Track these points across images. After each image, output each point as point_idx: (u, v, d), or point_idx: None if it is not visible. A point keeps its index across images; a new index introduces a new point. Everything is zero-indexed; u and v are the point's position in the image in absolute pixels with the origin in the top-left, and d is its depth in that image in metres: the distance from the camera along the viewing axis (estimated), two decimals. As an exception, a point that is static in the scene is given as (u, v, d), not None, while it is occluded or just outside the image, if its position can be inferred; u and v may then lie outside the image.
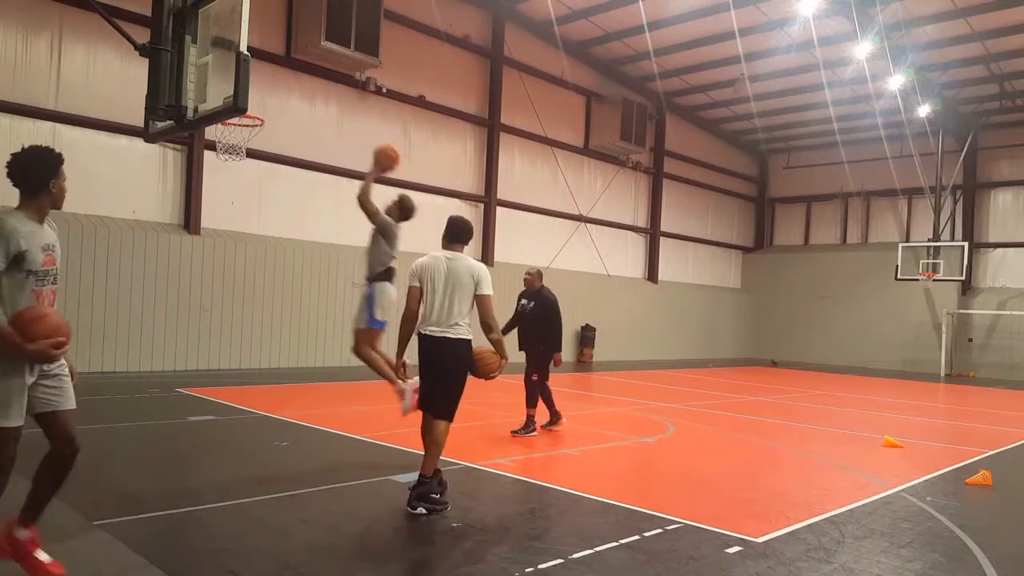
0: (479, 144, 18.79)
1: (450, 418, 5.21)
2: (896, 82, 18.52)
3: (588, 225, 21.90)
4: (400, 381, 6.26)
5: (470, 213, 18.15)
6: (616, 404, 12.09)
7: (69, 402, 3.46)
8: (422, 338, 5.23)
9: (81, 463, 3.54)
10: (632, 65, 21.47)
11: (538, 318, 8.55)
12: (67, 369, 3.50)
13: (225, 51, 5.05)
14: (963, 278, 22.40)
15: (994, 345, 23.14)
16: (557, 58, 19.87)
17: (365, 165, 17.44)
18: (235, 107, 4.82)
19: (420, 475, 5.09)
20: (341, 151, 15.31)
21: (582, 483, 6.08)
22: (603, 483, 6.25)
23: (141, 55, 5.40)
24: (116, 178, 12.72)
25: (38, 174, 3.38)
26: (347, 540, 4.56)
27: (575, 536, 4.69)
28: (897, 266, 22.97)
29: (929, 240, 23.14)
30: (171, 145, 13.38)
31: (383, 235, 6.54)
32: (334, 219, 15.15)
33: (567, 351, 20.65)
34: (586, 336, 20.95)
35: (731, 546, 4.59)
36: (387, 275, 6.55)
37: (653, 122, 23.48)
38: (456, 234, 5.39)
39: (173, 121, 5.44)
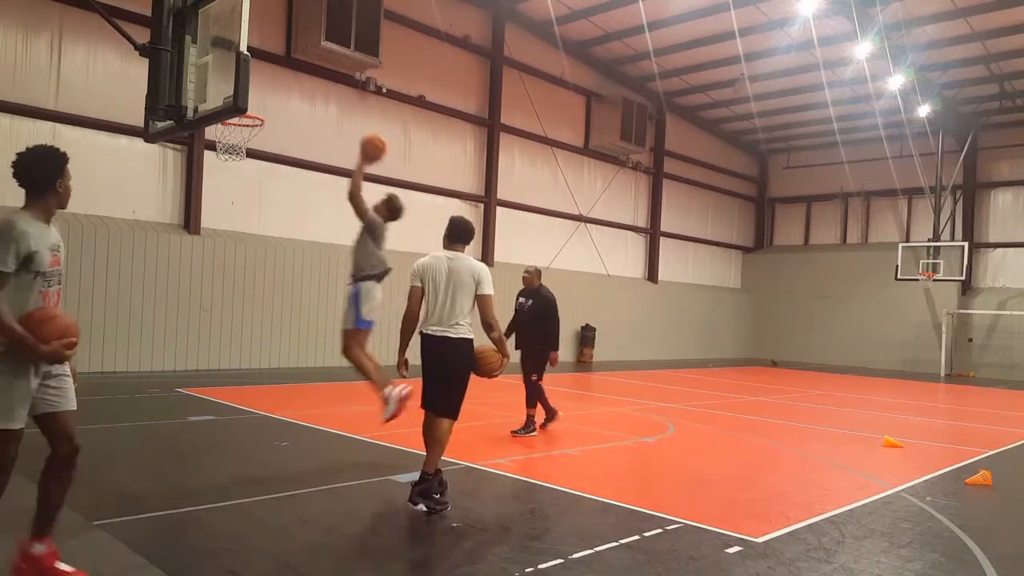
0: (479, 144, 18.80)
1: (454, 417, 5.23)
2: (896, 82, 18.52)
3: (588, 225, 21.90)
4: (387, 388, 6.26)
5: (470, 213, 18.15)
6: (616, 404, 12.09)
7: (70, 403, 3.45)
8: (424, 337, 5.25)
9: (81, 463, 3.54)
10: (632, 65, 21.47)
11: (536, 317, 8.53)
12: (68, 370, 3.49)
13: (225, 51, 5.05)
14: (963, 278, 22.40)
15: (994, 345, 23.14)
16: (557, 58, 19.87)
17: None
18: (235, 107, 4.82)
19: (422, 472, 5.11)
20: (341, 151, 15.29)
21: (582, 483, 6.08)
22: (603, 483, 6.24)
23: (141, 55, 5.40)
24: (116, 178, 12.72)
25: (44, 174, 3.36)
26: (347, 540, 4.56)
27: (575, 536, 4.69)
28: (897, 266, 22.97)
29: (929, 240, 23.14)
30: (171, 145, 13.38)
31: (370, 234, 6.50)
32: (334, 219, 15.14)
33: (567, 351, 20.66)
34: (586, 336, 20.95)
35: (731, 546, 4.59)
36: (376, 275, 6.50)
37: (653, 122, 23.48)
38: (457, 234, 5.41)
39: (173, 121, 5.44)
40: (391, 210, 6.67)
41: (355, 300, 6.45)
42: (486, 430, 8.43)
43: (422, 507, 4.99)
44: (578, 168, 21.58)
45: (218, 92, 5.07)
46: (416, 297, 5.29)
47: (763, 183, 29.00)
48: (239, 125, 11.62)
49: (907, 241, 24.25)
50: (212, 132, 12.45)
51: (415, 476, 5.19)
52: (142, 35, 5.65)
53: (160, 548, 4.14)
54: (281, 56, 14.83)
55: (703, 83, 22.33)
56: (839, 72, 19.65)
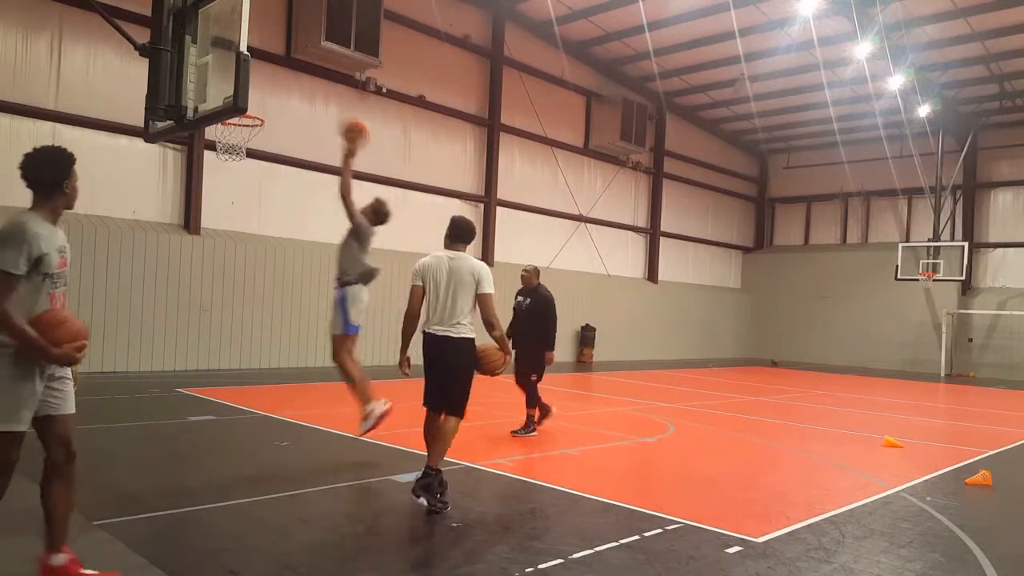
0: (479, 144, 18.80)
1: (460, 415, 5.27)
2: (896, 82, 18.52)
3: (588, 225, 21.90)
4: (371, 403, 6.27)
5: (470, 213, 18.16)
6: (616, 404, 12.09)
7: (69, 407, 3.43)
8: (426, 336, 5.29)
9: (81, 463, 3.54)
10: (632, 65, 21.47)
11: (534, 315, 8.49)
12: (70, 373, 3.47)
13: (225, 51, 5.05)
14: (963, 278, 22.39)
15: (994, 345, 23.14)
16: (557, 58, 19.87)
17: (366, 165, 17.26)
18: (235, 107, 4.82)
19: (426, 467, 5.13)
20: (341, 151, 15.30)
21: (582, 483, 6.08)
22: (603, 483, 6.24)
23: (141, 55, 5.41)
24: (116, 178, 12.72)
25: (53, 175, 3.34)
26: (347, 540, 4.56)
27: (575, 536, 4.69)
28: (897, 266, 22.97)
29: (929, 240, 23.14)
30: (171, 145, 13.38)
31: (356, 237, 6.48)
32: (334, 219, 14.97)
33: (567, 351, 20.67)
34: (586, 336, 20.95)
35: (731, 546, 4.59)
36: (362, 278, 6.49)
37: (653, 122, 23.48)
38: (458, 234, 5.44)
39: (173, 121, 5.44)
40: (378, 214, 6.65)
41: (342, 305, 6.43)
42: (486, 430, 8.43)
43: (423, 501, 5.00)
44: (578, 168, 21.58)
45: (218, 92, 5.07)
46: (417, 296, 5.32)
47: (763, 183, 29.00)
48: (239, 125, 11.61)
49: (907, 241, 24.24)
50: (212, 132, 12.44)
51: (415, 476, 5.19)
52: (142, 35, 5.65)
53: (160, 548, 4.14)
54: (281, 56, 14.82)
55: (703, 83, 22.33)
56: (839, 72, 19.65)
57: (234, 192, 14.21)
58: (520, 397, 8.62)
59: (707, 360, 24.40)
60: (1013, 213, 23.64)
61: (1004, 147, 23.55)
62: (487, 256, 18.40)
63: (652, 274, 24.27)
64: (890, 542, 4.87)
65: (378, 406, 6.35)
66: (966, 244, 22.42)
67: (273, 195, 14.78)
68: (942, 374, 22.75)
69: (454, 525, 4.82)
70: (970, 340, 23.53)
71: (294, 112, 15.05)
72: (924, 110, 20.34)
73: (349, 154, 6.43)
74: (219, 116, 5.26)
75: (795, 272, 27.21)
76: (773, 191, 28.93)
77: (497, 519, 5.16)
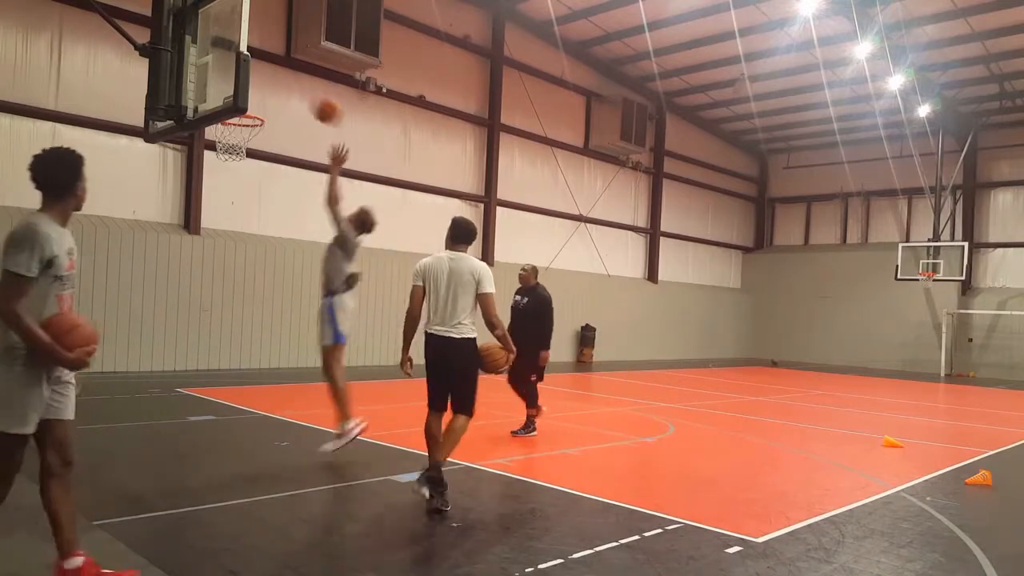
0: (479, 144, 18.80)
1: (471, 413, 5.33)
2: (896, 82, 18.52)
3: (588, 225, 21.90)
4: (350, 422, 6.26)
5: (470, 213, 18.16)
6: (616, 404, 12.09)
7: (69, 412, 3.40)
8: (428, 337, 5.32)
9: (81, 463, 3.54)
10: (632, 65, 21.46)
11: (532, 314, 8.45)
12: (72, 377, 3.45)
13: (225, 51, 5.05)
14: (963, 278, 22.39)
15: (994, 345, 23.14)
16: (557, 58, 19.87)
17: (366, 165, 17.30)
18: (235, 107, 4.82)
19: (432, 462, 5.17)
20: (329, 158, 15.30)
21: (582, 483, 6.08)
22: (603, 483, 6.24)
23: (141, 55, 5.41)
24: (116, 178, 12.71)
25: (63, 177, 3.34)
26: (347, 540, 4.57)
27: (575, 536, 4.69)
28: (897, 266, 22.97)
29: (929, 240, 23.14)
30: (171, 145, 13.38)
31: (342, 248, 6.45)
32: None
33: (567, 351, 20.67)
34: (586, 336, 20.94)
35: (731, 546, 4.59)
36: (347, 285, 6.46)
37: (653, 122, 23.47)
38: (460, 235, 5.46)
39: (173, 121, 5.44)
40: (363, 224, 6.61)
41: (331, 314, 6.39)
42: (486, 430, 8.42)
43: (426, 491, 5.02)
44: (578, 168, 21.58)
45: (218, 92, 5.07)
46: (417, 297, 5.35)
47: (763, 183, 29.00)
48: (239, 125, 11.60)
49: (907, 241, 24.24)
50: (212, 132, 12.44)
51: (415, 476, 5.20)
52: (142, 35, 5.65)
53: (160, 548, 4.14)
54: (281, 56, 14.82)
55: (703, 83, 22.33)
56: (839, 72, 19.64)
57: (234, 192, 14.21)
58: (518, 397, 8.60)
59: (707, 360, 24.40)
60: (1013, 213, 23.64)
61: (1004, 147, 23.55)
62: (487, 256, 18.39)
63: (652, 274, 24.27)
64: (890, 542, 4.87)
65: (355, 427, 6.34)
66: (966, 244, 22.42)
67: (273, 195, 14.77)
68: (942, 374, 22.74)
69: (454, 525, 4.83)
70: (970, 340, 23.54)
71: (294, 112, 15.04)
72: (924, 110, 20.34)
73: (336, 161, 6.44)
74: (219, 116, 5.26)
75: (795, 272, 27.21)
76: (773, 191, 28.93)
77: (497, 519, 5.16)
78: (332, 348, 6.44)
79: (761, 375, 19.87)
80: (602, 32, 19.57)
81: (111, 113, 12.47)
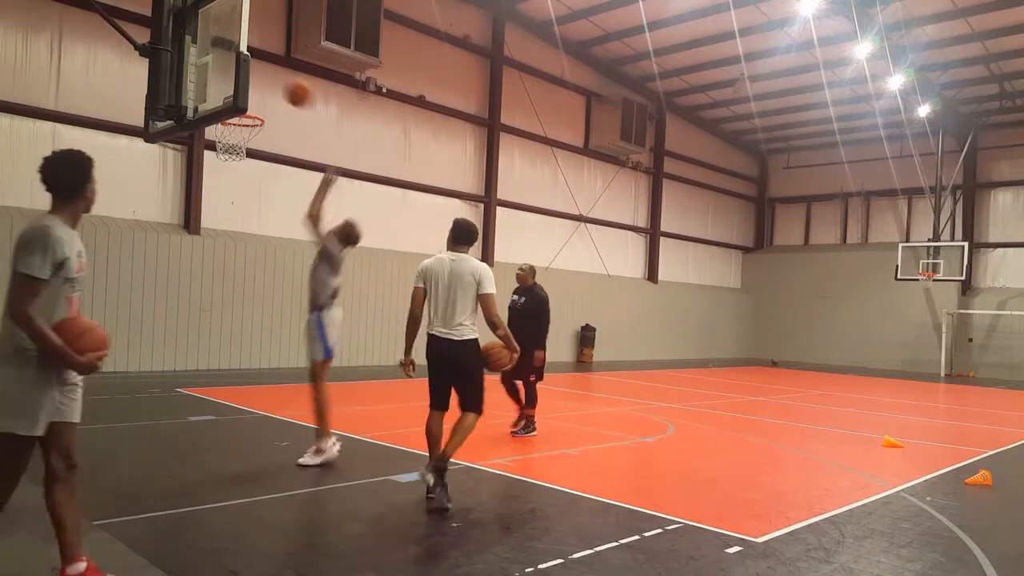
0: (479, 144, 18.80)
1: (479, 411, 5.42)
2: (896, 82, 18.52)
3: (588, 225, 21.90)
4: (329, 440, 6.25)
5: (470, 213, 18.16)
6: (616, 404, 12.09)
7: (76, 415, 3.38)
8: (431, 338, 5.35)
9: (81, 463, 3.52)
10: (632, 65, 21.46)
11: (529, 314, 8.42)
12: (80, 379, 3.43)
13: (225, 51, 5.05)
14: (963, 278, 22.39)
15: (994, 345, 23.15)
16: (557, 58, 19.87)
17: (366, 165, 17.30)
18: (235, 107, 4.82)
19: (443, 452, 5.22)
20: (341, 151, 15.30)
21: (582, 483, 6.08)
22: (603, 483, 6.24)
23: (141, 55, 5.40)
24: (116, 178, 12.69)
25: (74, 179, 3.33)
26: (347, 540, 4.56)
27: (575, 536, 4.69)
28: (897, 266, 22.97)
29: (929, 240, 23.14)
30: (171, 145, 13.39)
31: (328, 262, 6.41)
32: (333, 219, 15.13)
33: (567, 351, 20.68)
34: (586, 336, 20.94)
35: (731, 546, 4.60)
36: (331, 300, 6.43)
37: (653, 122, 23.47)
38: (461, 236, 5.49)
39: (173, 121, 5.44)
40: (347, 236, 6.58)
41: (320, 329, 6.35)
42: (486, 430, 8.39)
43: (430, 479, 5.06)
44: (578, 168, 21.58)
45: (218, 92, 5.07)
46: (419, 298, 5.37)
47: (763, 183, 28.99)
48: (239, 125, 11.60)
49: (907, 241, 24.24)
50: (212, 132, 12.44)
51: (415, 476, 5.22)
52: (142, 35, 5.65)
53: (160, 548, 4.14)
54: (281, 56, 14.82)
55: (703, 83, 22.33)
56: (839, 72, 19.65)
57: (234, 192, 14.21)
58: (508, 397, 8.55)
59: (707, 360, 24.40)
60: (1013, 213, 23.64)
61: (1004, 147, 23.55)
62: (487, 256, 18.39)
63: (652, 274, 24.27)
64: (890, 542, 4.87)
65: (331, 448, 6.33)
66: (966, 244, 22.42)
67: (273, 195, 14.77)
68: (942, 374, 22.75)
69: (454, 525, 4.83)
70: (970, 340, 23.54)
71: (294, 112, 15.00)
72: (924, 110, 20.34)
73: (327, 184, 6.49)
74: (219, 116, 5.26)
75: (795, 272, 27.21)
76: (773, 191, 28.93)
77: (497, 519, 5.17)
78: (322, 363, 6.43)
79: (761, 375, 19.87)
80: (602, 32, 19.57)
81: (111, 113, 12.47)
